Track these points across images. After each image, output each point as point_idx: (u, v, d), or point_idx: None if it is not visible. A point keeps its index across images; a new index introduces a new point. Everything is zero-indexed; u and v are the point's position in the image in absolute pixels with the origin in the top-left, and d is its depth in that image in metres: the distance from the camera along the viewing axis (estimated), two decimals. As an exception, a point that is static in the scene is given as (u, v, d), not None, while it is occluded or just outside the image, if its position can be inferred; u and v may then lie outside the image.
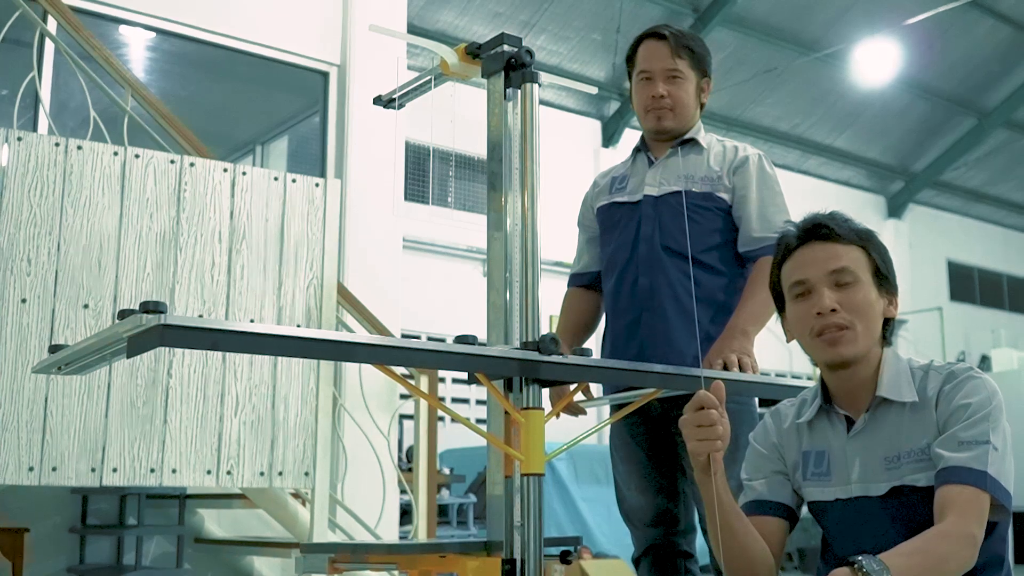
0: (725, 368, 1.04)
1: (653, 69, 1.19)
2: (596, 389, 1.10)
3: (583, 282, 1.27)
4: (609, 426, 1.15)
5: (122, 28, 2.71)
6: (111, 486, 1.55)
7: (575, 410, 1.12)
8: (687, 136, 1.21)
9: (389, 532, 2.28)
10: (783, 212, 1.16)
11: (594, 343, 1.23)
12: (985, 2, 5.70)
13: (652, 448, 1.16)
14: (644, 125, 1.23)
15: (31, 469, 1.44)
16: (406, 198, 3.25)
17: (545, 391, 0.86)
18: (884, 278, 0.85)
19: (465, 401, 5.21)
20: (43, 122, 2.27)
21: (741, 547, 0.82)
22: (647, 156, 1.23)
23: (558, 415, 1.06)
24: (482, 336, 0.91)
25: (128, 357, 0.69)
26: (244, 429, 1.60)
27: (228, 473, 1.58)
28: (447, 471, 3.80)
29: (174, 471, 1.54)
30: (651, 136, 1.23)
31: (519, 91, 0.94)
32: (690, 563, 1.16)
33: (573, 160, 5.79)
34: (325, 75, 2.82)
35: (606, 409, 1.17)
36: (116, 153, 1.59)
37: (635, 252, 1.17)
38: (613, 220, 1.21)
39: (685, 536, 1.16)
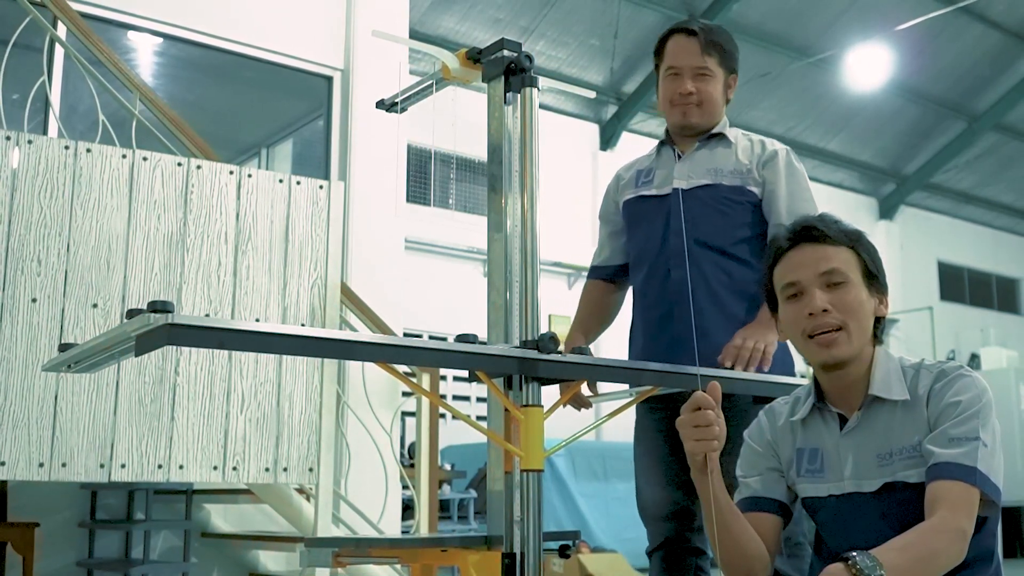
0: (738, 355, 1.04)
1: (681, 66, 1.17)
2: (604, 385, 1.10)
3: (604, 275, 1.26)
4: (634, 419, 1.15)
5: (130, 34, 2.73)
6: (119, 482, 1.57)
7: (581, 403, 1.13)
8: (714, 131, 1.19)
9: (391, 527, 2.30)
10: (811, 206, 1.15)
11: (611, 338, 1.21)
12: (975, 8, 5.71)
13: (674, 442, 1.10)
14: (669, 120, 1.21)
15: (41, 465, 1.46)
16: (408, 200, 3.29)
17: (554, 385, 0.87)
18: (874, 278, 0.87)
19: (466, 399, 5.21)
20: (53, 125, 2.28)
21: (737, 543, 0.83)
22: (673, 150, 1.21)
23: (565, 406, 1.07)
24: (482, 335, 0.93)
25: (136, 355, 0.70)
26: (250, 426, 1.62)
27: (234, 469, 1.60)
28: (448, 467, 3.80)
29: (181, 467, 1.56)
30: (676, 131, 1.21)
31: (519, 95, 0.95)
32: (702, 560, 1.15)
33: (572, 163, 5.79)
34: (329, 79, 2.83)
35: (605, 406, 1.18)
36: (124, 156, 1.60)
37: (665, 245, 1.16)
38: (640, 214, 1.20)
39: (699, 533, 1.15)
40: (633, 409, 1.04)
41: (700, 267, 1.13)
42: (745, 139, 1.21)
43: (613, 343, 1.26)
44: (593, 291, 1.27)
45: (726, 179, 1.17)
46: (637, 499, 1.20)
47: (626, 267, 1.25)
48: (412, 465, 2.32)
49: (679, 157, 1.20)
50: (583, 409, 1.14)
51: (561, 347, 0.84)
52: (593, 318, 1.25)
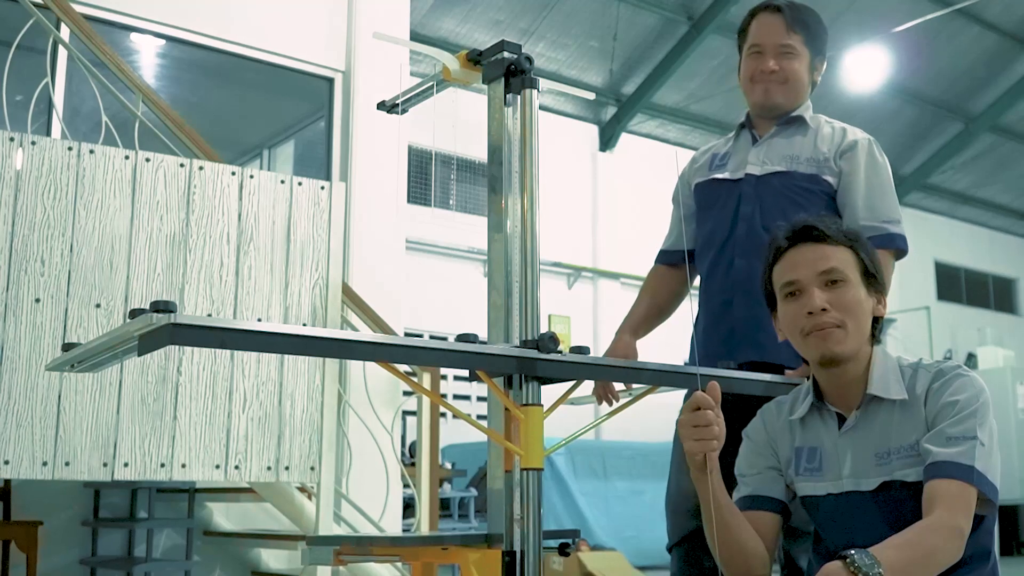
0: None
1: (765, 43, 1.13)
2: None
3: (671, 260, 1.23)
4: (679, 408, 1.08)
5: (133, 35, 2.74)
6: (122, 480, 1.58)
7: (612, 396, 1.11)
8: (794, 114, 1.14)
9: (392, 525, 2.31)
10: (891, 201, 1.10)
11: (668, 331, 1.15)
12: (971, 10, 5.72)
13: None
14: (750, 99, 1.16)
15: (45, 464, 1.46)
16: (409, 200, 3.30)
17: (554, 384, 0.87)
18: (872, 277, 0.87)
19: (466, 398, 5.21)
20: (56, 127, 2.30)
21: (736, 542, 0.84)
22: (751, 133, 1.17)
23: (602, 401, 1.06)
24: (483, 335, 0.93)
25: (139, 355, 0.71)
26: (252, 425, 1.63)
27: (236, 468, 1.60)
28: (449, 466, 3.82)
29: (184, 466, 1.56)
30: (757, 112, 1.16)
31: (519, 96, 0.95)
32: None
33: (571, 164, 5.81)
34: (330, 81, 2.85)
35: (602, 405, 1.17)
36: (127, 157, 1.61)
37: (733, 232, 1.12)
38: (712, 198, 1.16)
39: None
40: (632, 409, 1.03)
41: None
42: (828, 126, 1.14)
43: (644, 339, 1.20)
44: (657, 278, 1.22)
45: (802, 167, 1.11)
46: (667, 489, 1.16)
47: (693, 253, 1.20)
48: (413, 464, 2.32)
49: (756, 140, 1.16)
50: (603, 403, 1.11)
51: (562, 347, 0.84)
52: (654, 307, 1.20)
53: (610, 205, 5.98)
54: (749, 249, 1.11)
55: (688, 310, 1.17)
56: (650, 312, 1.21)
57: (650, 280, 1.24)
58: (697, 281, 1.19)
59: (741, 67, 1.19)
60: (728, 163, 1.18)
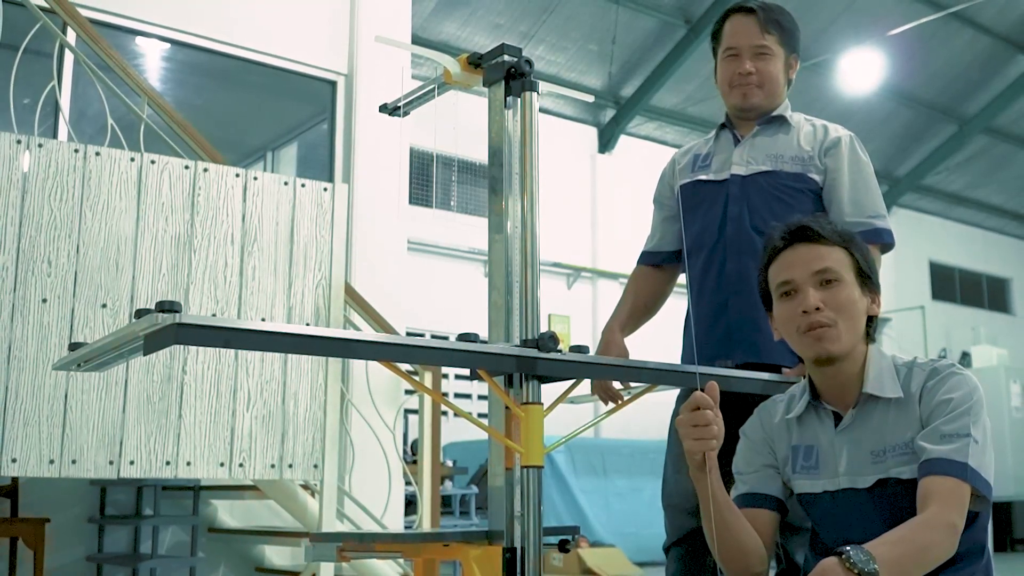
0: None
1: (740, 45, 1.14)
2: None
3: (654, 261, 1.22)
4: (673, 408, 1.10)
5: (138, 39, 2.76)
6: (128, 478, 1.59)
7: (611, 396, 1.11)
8: (775, 113, 1.14)
9: (395, 522, 2.33)
10: (875, 196, 1.11)
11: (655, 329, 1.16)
12: (965, 13, 5.74)
13: None
14: (729, 102, 1.16)
15: (52, 462, 1.48)
16: (410, 202, 3.32)
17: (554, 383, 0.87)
18: (867, 277, 0.88)
19: (467, 396, 5.21)
20: (63, 129, 2.31)
21: (735, 540, 0.84)
22: (733, 134, 1.17)
23: (606, 402, 1.07)
24: (484, 334, 0.94)
25: (144, 354, 0.71)
26: (256, 423, 1.64)
27: (240, 465, 1.62)
28: (450, 463, 3.83)
29: (189, 464, 1.58)
30: (736, 113, 1.17)
31: (519, 99, 0.96)
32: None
33: (571, 165, 5.84)
34: (333, 84, 2.87)
35: (601, 404, 1.18)
36: (133, 159, 1.63)
37: (723, 234, 1.12)
38: (697, 199, 1.16)
39: None
40: (631, 407, 1.04)
41: (758, 256, 1.03)
42: (808, 124, 1.15)
43: (638, 338, 1.22)
44: (640, 278, 1.22)
45: (787, 165, 1.12)
46: (663, 489, 1.15)
47: (678, 253, 1.20)
48: (415, 461, 2.32)
49: (738, 141, 1.16)
50: (608, 404, 1.12)
51: (561, 346, 0.85)
52: (638, 307, 1.20)
53: (609, 206, 6.00)
54: (740, 250, 1.11)
55: (678, 311, 1.17)
56: (635, 311, 1.22)
57: (633, 280, 1.25)
58: (682, 279, 1.18)
59: (717, 71, 1.20)
60: (711, 163, 1.18)
